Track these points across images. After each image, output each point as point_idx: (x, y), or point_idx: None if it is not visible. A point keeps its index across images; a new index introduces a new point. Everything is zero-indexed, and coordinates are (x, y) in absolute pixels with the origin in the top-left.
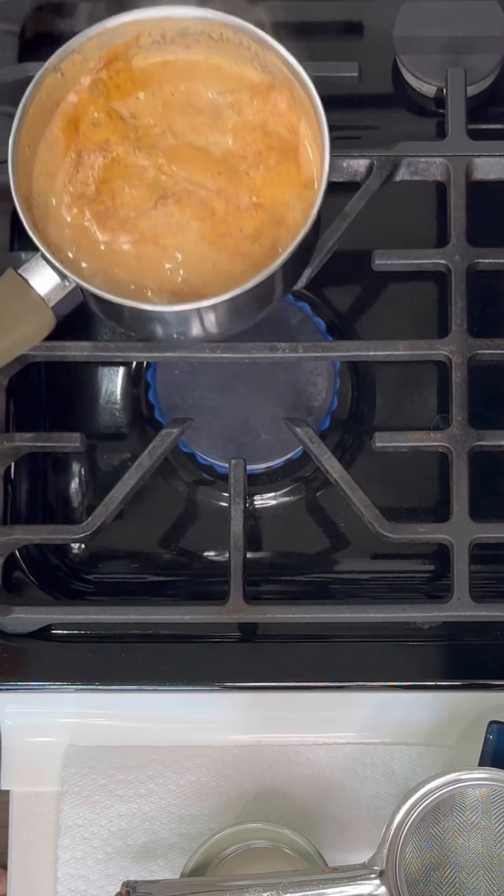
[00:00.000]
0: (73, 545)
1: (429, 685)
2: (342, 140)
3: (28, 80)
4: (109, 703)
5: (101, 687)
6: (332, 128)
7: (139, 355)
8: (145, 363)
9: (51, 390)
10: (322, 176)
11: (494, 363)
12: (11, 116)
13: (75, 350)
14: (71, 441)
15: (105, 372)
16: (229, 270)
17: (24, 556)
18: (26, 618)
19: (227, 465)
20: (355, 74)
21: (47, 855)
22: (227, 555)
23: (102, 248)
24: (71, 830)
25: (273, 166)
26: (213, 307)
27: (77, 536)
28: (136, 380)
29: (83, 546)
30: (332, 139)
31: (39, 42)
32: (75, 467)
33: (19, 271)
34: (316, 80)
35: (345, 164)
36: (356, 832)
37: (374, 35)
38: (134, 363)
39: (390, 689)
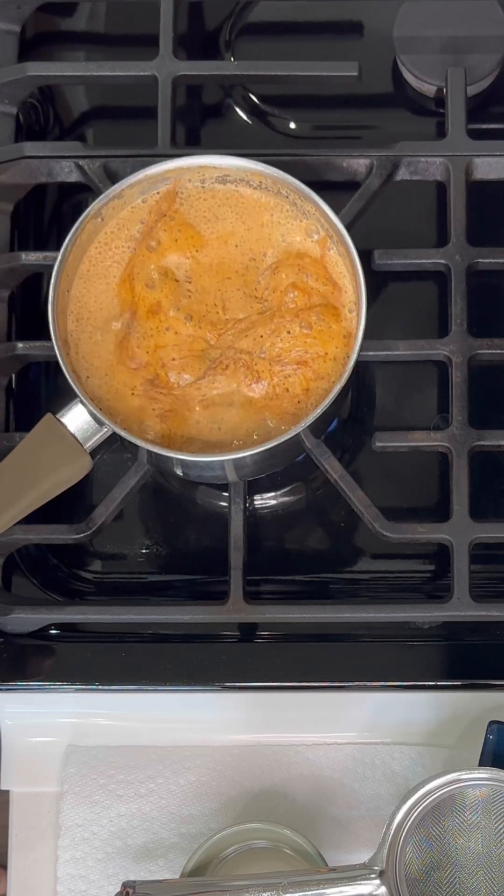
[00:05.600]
0: (73, 545)
1: (429, 685)
2: (342, 140)
3: (28, 80)
4: (109, 703)
5: (101, 687)
6: (332, 127)
7: None
8: None
9: (51, 390)
10: (358, 332)
11: (494, 363)
12: (10, 115)
13: None
14: None
15: None
16: (276, 429)
17: (24, 556)
18: (26, 618)
19: None
20: (355, 74)
21: (47, 855)
22: (227, 555)
23: (147, 408)
24: (71, 830)
25: (315, 323)
26: (243, 458)
27: (77, 536)
28: None
29: (83, 546)
30: (332, 139)
31: (39, 42)
32: None
33: (57, 416)
34: (316, 80)
35: (345, 164)
36: (356, 832)
37: (374, 35)
38: None
39: (390, 689)
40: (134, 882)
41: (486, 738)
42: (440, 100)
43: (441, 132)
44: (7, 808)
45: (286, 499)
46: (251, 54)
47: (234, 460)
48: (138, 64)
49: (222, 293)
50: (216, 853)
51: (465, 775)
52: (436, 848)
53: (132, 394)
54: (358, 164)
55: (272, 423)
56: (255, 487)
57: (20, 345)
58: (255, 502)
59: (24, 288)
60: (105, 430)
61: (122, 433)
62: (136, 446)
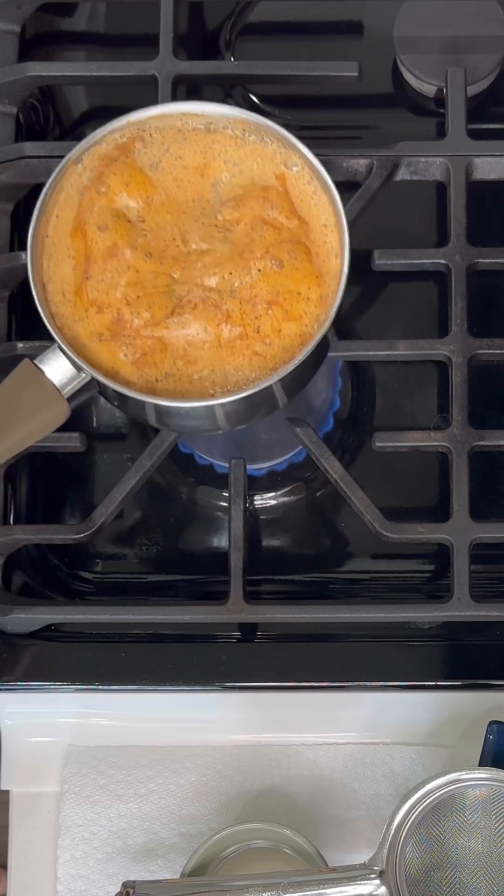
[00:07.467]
0: (73, 545)
1: (429, 685)
2: (342, 140)
3: (28, 80)
4: (109, 703)
5: (101, 687)
6: (332, 127)
7: None
8: None
9: None
10: (342, 276)
11: (494, 363)
12: (11, 116)
13: None
14: (71, 441)
15: None
16: (245, 372)
17: (24, 556)
18: (26, 618)
19: (226, 465)
20: (355, 74)
21: (47, 855)
22: (227, 555)
23: (118, 354)
24: (71, 830)
25: (286, 261)
26: (222, 405)
27: (77, 536)
28: None
29: (83, 546)
30: (332, 139)
31: (39, 42)
32: (75, 467)
33: (35, 361)
34: (316, 80)
35: (345, 164)
36: (356, 832)
37: (374, 35)
38: None
39: (390, 689)
40: (134, 882)
41: (486, 738)
42: (440, 100)
43: (441, 132)
44: (7, 808)
45: (286, 499)
46: (251, 54)
47: (211, 407)
48: (138, 64)
49: (179, 227)
50: (216, 853)
51: (465, 775)
52: (436, 848)
53: (100, 340)
54: (358, 164)
55: (245, 365)
56: (255, 487)
57: (20, 345)
58: (255, 502)
59: (24, 288)
60: (83, 376)
61: (100, 378)
62: (116, 396)
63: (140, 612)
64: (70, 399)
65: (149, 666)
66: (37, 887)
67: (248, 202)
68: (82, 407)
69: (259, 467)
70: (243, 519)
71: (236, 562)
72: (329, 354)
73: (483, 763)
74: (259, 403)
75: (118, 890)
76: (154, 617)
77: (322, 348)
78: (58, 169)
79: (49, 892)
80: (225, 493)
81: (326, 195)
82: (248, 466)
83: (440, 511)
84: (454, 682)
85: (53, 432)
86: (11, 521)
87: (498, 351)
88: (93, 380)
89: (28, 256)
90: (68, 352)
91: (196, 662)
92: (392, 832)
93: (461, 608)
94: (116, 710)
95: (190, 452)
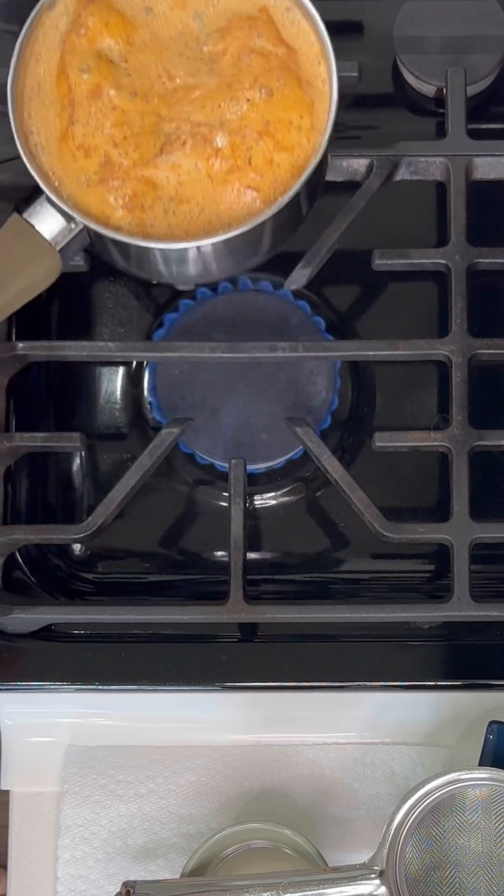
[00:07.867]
0: (73, 545)
1: (429, 685)
2: (342, 140)
3: None
4: (109, 703)
5: (101, 687)
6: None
7: (139, 355)
8: (145, 363)
9: (51, 390)
10: (332, 102)
11: (494, 363)
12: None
13: (75, 350)
14: (71, 441)
15: (105, 372)
16: (237, 209)
17: (24, 556)
18: (26, 618)
19: (227, 465)
20: (355, 74)
21: (47, 855)
22: (227, 555)
23: (108, 199)
24: (71, 830)
25: (276, 88)
26: (226, 242)
27: (77, 536)
28: (136, 380)
29: (83, 546)
30: (332, 139)
31: None
32: (75, 467)
33: (24, 215)
34: None
35: (345, 164)
36: (356, 832)
37: (374, 35)
38: (134, 363)
39: (390, 689)
40: (134, 882)
41: (486, 738)
42: (440, 100)
43: (441, 132)
44: (7, 808)
45: (286, 499)
46: None
47: (206, 247)
48: None
49: (164, 63)
50: (216, 853)
51: (465, 775)
52: (436, 848)
53: (88, 186)
54: (358, 164)
55: (237, 201)
56: (255, 487)
57: (20, 345)
58: (255, 502)
59: None
60: (74, 226)
61: (91, 224)
62: (106, 247)
63: (140, 612)
64: (62, 251)
65: (149, 666)
66: (37, 887)
67: (234, 31)
68: (82, 407)
69: (259, 467)
70: (243, 519)
71: (236, 562)
72: (329, 354)
73: (483, 763)
74: (256, 240)
75: (118, 890)
76: (154, 617)
77: (316, 181)
78: (31, 16)
79: (49, 892)
80: (225, 493)
81: (308, 22)
82: (248, 466)
83: (440, 511)
84: (454, 682)
85: (53, 432)
86: (11, 521)
87: (498, 351)
88: (84, 229)
89: (9, 107)
90: (56, 201)
91: (196, 662)
92: (392, 832)
93: (461, 608)
94: (116, 710)
95: (190, 452)
